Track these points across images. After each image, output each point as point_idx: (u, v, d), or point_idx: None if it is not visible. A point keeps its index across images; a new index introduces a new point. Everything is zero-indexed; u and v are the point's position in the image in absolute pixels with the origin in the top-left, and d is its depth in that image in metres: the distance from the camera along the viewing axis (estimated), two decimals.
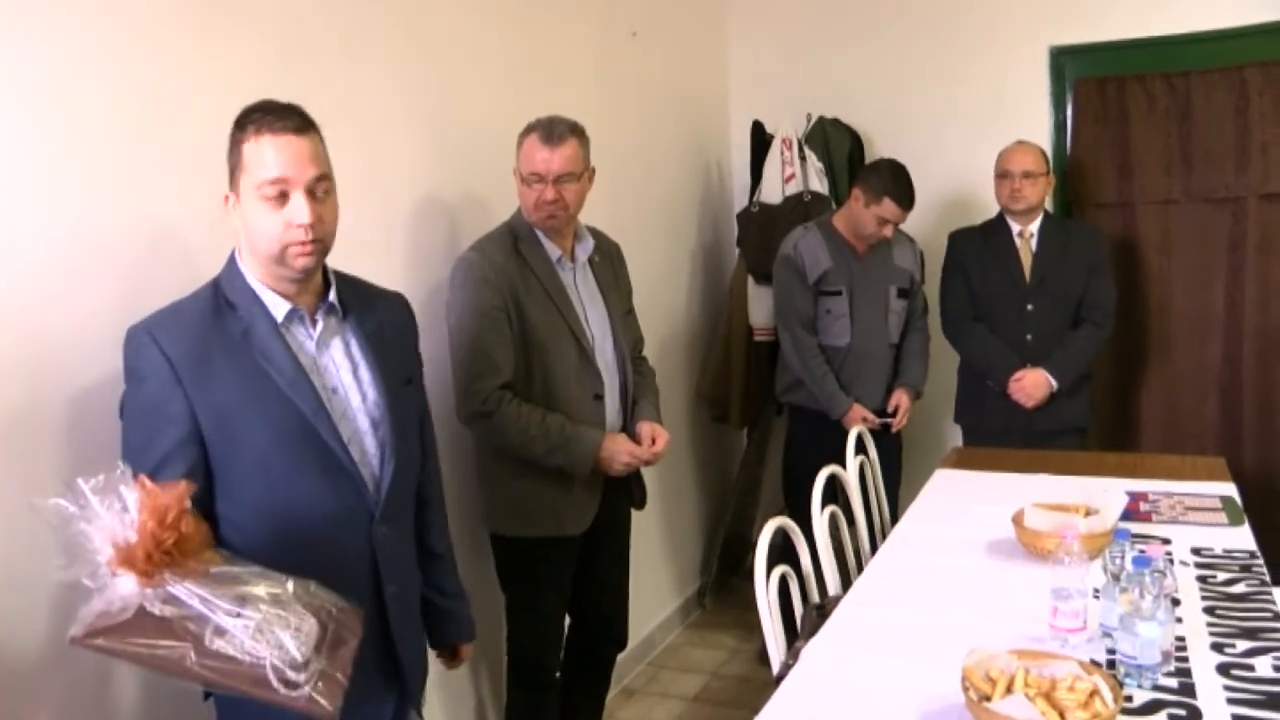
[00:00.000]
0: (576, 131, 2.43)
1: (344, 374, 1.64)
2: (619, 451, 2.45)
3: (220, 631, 1.26)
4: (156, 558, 1.22)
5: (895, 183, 3.25)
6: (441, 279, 2.56)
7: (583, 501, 2.50)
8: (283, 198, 1.53)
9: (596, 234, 2.62)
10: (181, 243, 1.90)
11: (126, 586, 1.23)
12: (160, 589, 1.25)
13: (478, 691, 2.86)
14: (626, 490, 2.64)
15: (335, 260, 2.23)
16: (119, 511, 1.23)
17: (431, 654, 1.94)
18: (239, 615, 1.28)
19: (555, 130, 2.39)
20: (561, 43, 3.18)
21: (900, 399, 3.40)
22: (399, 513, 1.70)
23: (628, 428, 2.58)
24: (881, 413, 3.39)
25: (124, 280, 1.80)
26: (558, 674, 2.66)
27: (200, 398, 1.51)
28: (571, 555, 2.57)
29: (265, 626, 1.29)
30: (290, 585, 1.38)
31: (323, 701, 1.28)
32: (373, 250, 2.42)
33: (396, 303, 1.83)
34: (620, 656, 2.87)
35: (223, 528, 1.58)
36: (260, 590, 1.34)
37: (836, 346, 3.37)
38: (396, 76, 2.48)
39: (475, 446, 2.60)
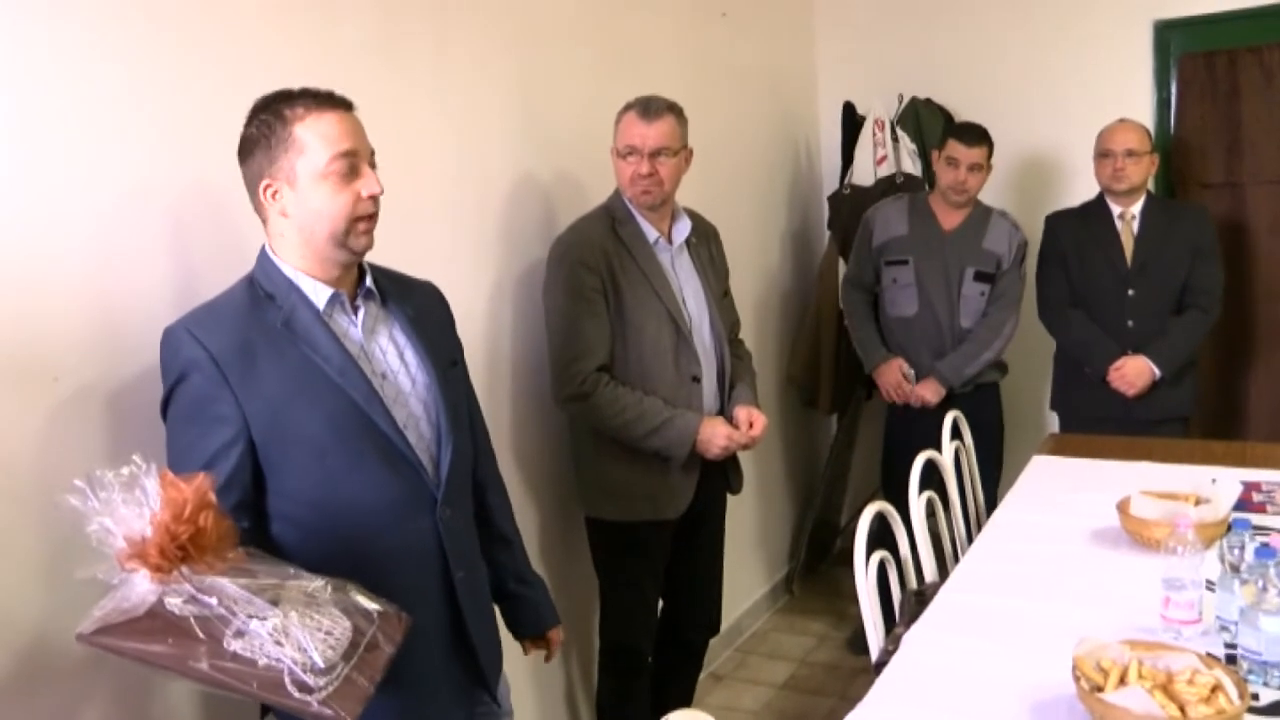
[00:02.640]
0: (674, 109, 2.43)
1: (392, 359, 1.61)
2: (717, 435, 2.43)
3: (240, 633, 1.22)
4: (170, 553, 1.18)
5: (955, 124, 3.32)
6: (537, 260, 2.58)
7: (679, 485, 2.49)
8: (352, 172, 1.52)
9: (694, 216, 2.61)
10: (242, 219, 1.82)
11: (141, 583, 1.20)
12: (177, 587, 1.21)
13: (568, 676, 2.85)
14: (723, 474, 2.63)
15: (432, 243, 2.30)
16: (138, 505, 1.19)
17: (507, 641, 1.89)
18: (263, 617, 1.24)
19: (652, 106, 2.41)
20: (651, 24, 3.18)
21: (920, 388, 3.32)
22: (460, 496, 1.68)
23: (725, 411, 2.56)
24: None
25: (186, 257, 1.77)
26: (649, 659, 2.65)
27: (247, 393, 1.47)
28: (667, 539, 2.56)
29: (290, 629, 1.24)
30: (326, 586, 1.34)
31: (335, 710, 1.23)
32: (468, 232, 2.44)
33: (429, 290, 1.80)
34: (712, 642, 2.85)
35: (278, 525, 1.55)
36: (291, 591, 1.30)
37: (903, 317, 3.35)
38: (485, 61, 2.48)
39: (571, 429, 2.60)
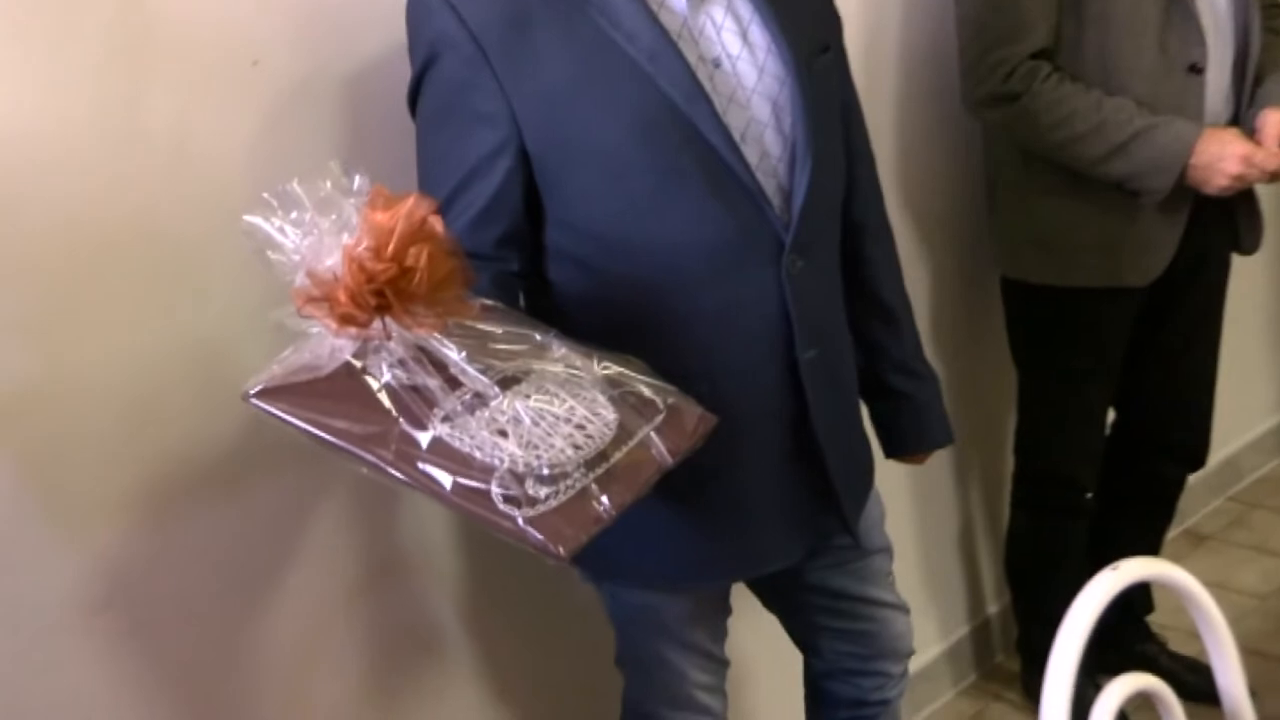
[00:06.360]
0: None
1: (729, 39, 1.56)
2: (1227, 155, 2.20)
3: (450, 417, 1.22)
4: (363, 300, 1.18)
5: None
6: None
7: (1155, 235, 2.33)
8: None
9: None
10: None
11: (329, 336, 1.22)
12: (380, 345, 1.22)
13: (964, 508, 2.82)
14: (1227, 223, 2.43)
15: None
16: (334, 233, 1.20)
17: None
18: (488, 396, 1.24)
19: None
20: None
21: None
22: (821, 242, 1.64)
23: (1240, 119, 2.32)
24: None
25: None
26: (1089, 495, 2.57)
27: (518, 83, 1.47)
28: (1127, 319, 2.44)
29: (521, 415, 1.24)
30: (594, 361, 1.33)
31: (545, 535, 1.21)
32: None
33: None
34: (1190, 480, 2.75)
35: (558, 267, 1.58)
36: (542, 364, 1.30)
37: None
38: None
39: (985, 147, 2.50)
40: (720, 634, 1.83)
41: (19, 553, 1.48)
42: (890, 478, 1.95)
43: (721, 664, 1.84)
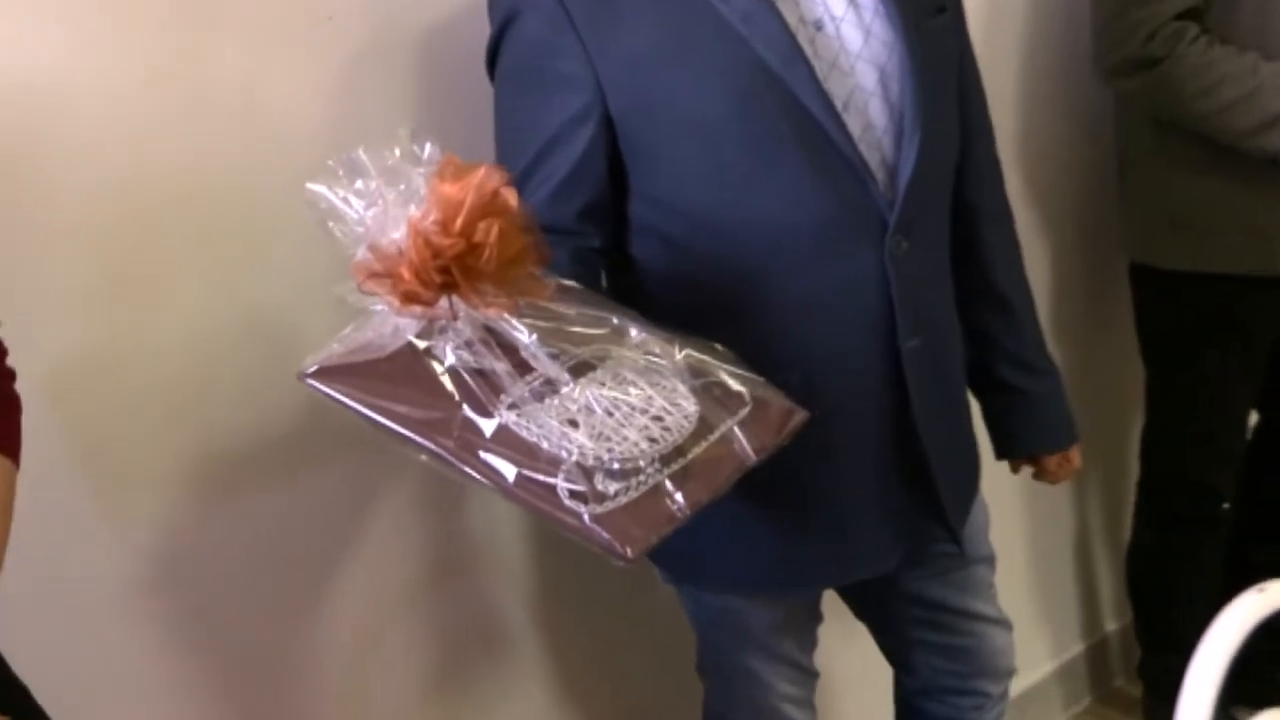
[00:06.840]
0: None
1: (834, 0, 1.54)
2: None
3: (518, 403, 1.20)
4: (428, 277, 1.17)
5: None
6: None
7: None
8: None
9: None
10: None
11: (391, 314, 1.22)
12: (447, 326, 1.21)
13: (1081, 515, 2.80)
14: None
15: None
16: (401, 204, 1.19)
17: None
18: (558, 383, 1.23)
19: None
20: None
21: None
22: (926, 221, 1.61)
23: None
24: None
25: None
26: (1226, 505, 2.51)
27: (603, 45, 1.46)
28: (1278, 310, 2.38)
29: (593, 404, 1.22)
30: (675, 347, 1.31)
31: (611, 534, 1.19)
32: None
33: None
34: None
35: (643, 243, 1.57)
36: (619, 350, 1.28)
37: None
38: None
39: (1117, 117, 2.47)
40: (809, 643, 1.82)
41: (71, 530, 1.50)
42: (998, 480, 1.91)
43: (810, 675, 1.83)
